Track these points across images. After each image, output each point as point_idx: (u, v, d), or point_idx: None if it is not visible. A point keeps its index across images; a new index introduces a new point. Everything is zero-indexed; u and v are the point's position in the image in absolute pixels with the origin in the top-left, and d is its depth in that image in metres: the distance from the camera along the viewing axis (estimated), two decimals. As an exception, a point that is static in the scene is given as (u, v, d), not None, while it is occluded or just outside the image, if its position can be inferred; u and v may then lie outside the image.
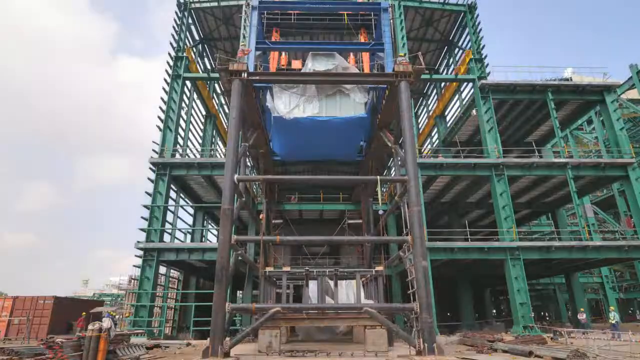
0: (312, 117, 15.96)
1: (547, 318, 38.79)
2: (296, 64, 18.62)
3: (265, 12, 17.82)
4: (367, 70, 17.55)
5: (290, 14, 17.98)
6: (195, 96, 27.76)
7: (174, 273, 29.16)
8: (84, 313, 21.47)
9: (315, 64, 15.85)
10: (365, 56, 18.04)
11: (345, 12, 18.00)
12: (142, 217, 20.74)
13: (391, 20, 17.34)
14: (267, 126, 18.04)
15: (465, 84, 27.12)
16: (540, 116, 25.27)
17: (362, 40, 18.36)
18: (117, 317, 19.70)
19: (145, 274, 19.69)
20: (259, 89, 17.03)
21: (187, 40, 26.23)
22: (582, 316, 21.36)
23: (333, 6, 18.43)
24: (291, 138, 17.35)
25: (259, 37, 16.78)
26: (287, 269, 16.94)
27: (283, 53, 19.72)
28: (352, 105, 16.20)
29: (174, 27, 25.40)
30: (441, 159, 22.10)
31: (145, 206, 20.86)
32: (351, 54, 19.00)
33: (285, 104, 16.14)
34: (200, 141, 29.81)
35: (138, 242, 19.92)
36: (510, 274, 18.96)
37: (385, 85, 16.36)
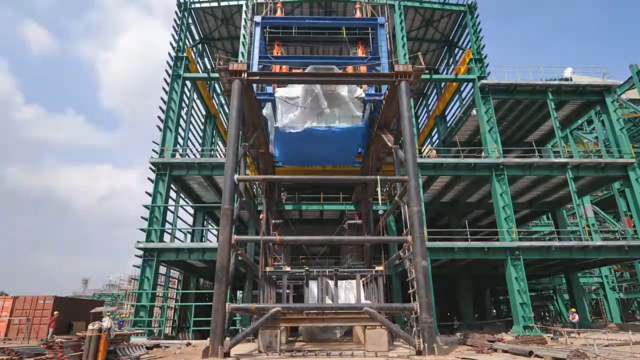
0: (311, 128, 16.62)
1: (547, 318, 38.79)
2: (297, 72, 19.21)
3: (268, 26, 18.55)
4: (364, 84, 18.13)
5: (292, 28, 18.76)
6: (195, 96, 27.76)
7: (174, 273, 29.15)
8: (56, 312, 21.35)
9: None
10: (363, 69, 18.55)
11: (343, 27, 18.70)
12: (142, 217, 20.75)
13: (387, 35, 17.97)
14: (268, 134, 18.52)
15: (465, 84, 27.12)
16: (540, 116, 25.27)
17: (360, 53, 18.93)
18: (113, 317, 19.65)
19: (145, 274, 19.68)
20: (262, 102, 17.45)
21: (187, 40, 26.25)
22: (574, 317, 20.39)
23: (332, 22, 19.22)
24: (292, 147, 18.00)
25: (262, 52, 17.35)
26: (287, 269, 16.96)
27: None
28: (350, 117, 16.85)
29: (174, 27, 25.41)
30: (441, 159, 22.07)
31: (145, 206, 20.85)
32: (349, 66, 19.48)
33: (286, 116, 16.75)
34: (200, 141, 29.81)
35: (138, 242, 19.92)
36: (510, 274, 18.96)
37: (381, 97, 16.80)
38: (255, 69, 16.67)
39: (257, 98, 16.56)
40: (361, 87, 18.07)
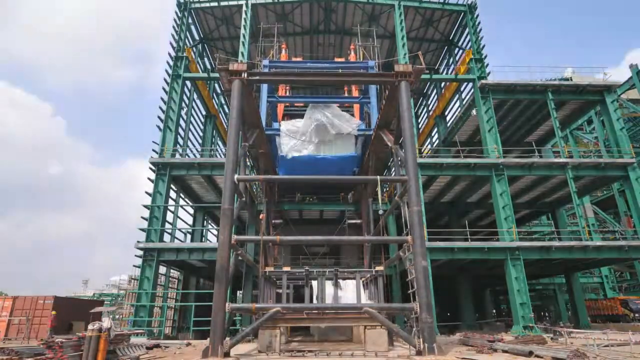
0: (311, 155, 18.99)
1: (547, 318, 38.77)
2: (298, 104, 21.90)
3: (274, 68, 20.78)
4: (357, 117, 20.52)
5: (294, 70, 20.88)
6: (195, 96, 27.76)
7: (174, 273, 29.14)
8: (53, 312, 21.27)
9: (314, 113, 18.43)
10: (357, 107, 20.95)
11: (339, 69, 20.87)
12: (142, 217, 20.74)
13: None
14: (275, 160, 20.62)
15: (465, 84, 27.12)
16: (540, 116, 25.26)
17: (354, 90, 21.63)
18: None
19: (145, 274, 19.68)
20: (272, 137, 19.58)
21: (187, 40, 26.24)
22: None
23: (329, 65, 21.67)
24: (294, 171, 20.04)
25: (269, 91, 19.78)
26: (287, 269, 16.95)
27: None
28: (345, 146, 19.26)
29: (174, 27, 25.42)
30: (441, 159, 22.09)
31: (145, 206, 20.85)
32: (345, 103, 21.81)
33: (290, 146, 19.11)
34: (200, 141, 29.80)
35: (138, 242, 19.91)
36: (510, 274, 18.96)
37: (371, 132, 18.61)
38: (264, 107, 18.81)
39: (266, 132, 18.52)
40: (354, 117, 20.18)
